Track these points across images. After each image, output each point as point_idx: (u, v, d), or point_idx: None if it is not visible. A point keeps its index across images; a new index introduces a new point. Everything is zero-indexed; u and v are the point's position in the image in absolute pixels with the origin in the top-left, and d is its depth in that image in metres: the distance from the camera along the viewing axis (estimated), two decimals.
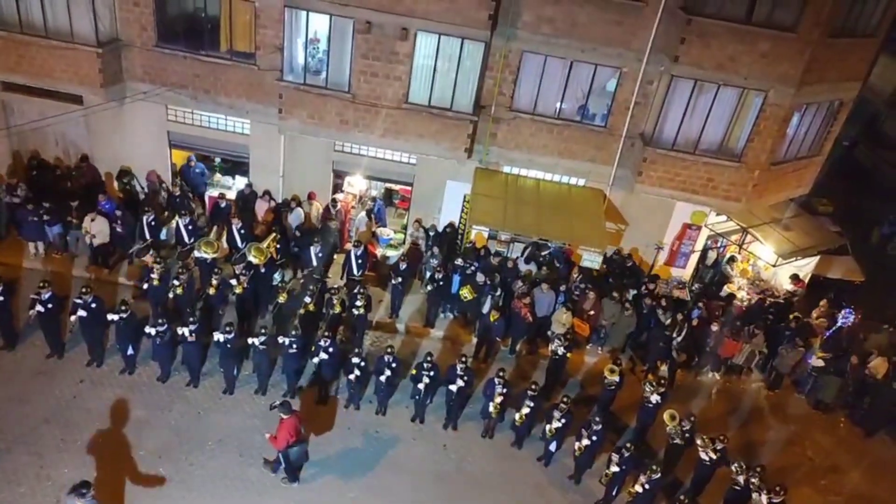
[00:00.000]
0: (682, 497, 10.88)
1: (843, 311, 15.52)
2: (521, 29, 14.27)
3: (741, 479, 11.49)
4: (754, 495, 11.20)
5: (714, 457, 11.86)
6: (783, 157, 15.59)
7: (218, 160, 17.73)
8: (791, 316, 15.77)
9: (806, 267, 17.23)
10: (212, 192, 17.09)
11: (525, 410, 12.35)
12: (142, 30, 15.02)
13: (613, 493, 12.05)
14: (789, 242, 16.39)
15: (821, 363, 14.82)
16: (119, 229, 15.06)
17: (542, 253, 16.25)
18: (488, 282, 14.79)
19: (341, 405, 13.21)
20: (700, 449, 11.98)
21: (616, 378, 13.13)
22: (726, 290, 17.00)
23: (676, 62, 14.00)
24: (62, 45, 14.56)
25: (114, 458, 11.42)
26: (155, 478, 11.23)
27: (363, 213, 16.82)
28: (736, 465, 11.70)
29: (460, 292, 14.68)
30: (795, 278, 16.97)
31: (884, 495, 13.49)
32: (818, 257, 17.13)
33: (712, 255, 17.79)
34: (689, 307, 15.68)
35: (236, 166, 17.36)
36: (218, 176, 17.78)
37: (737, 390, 15.53)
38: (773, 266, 16.65)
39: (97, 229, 14.78)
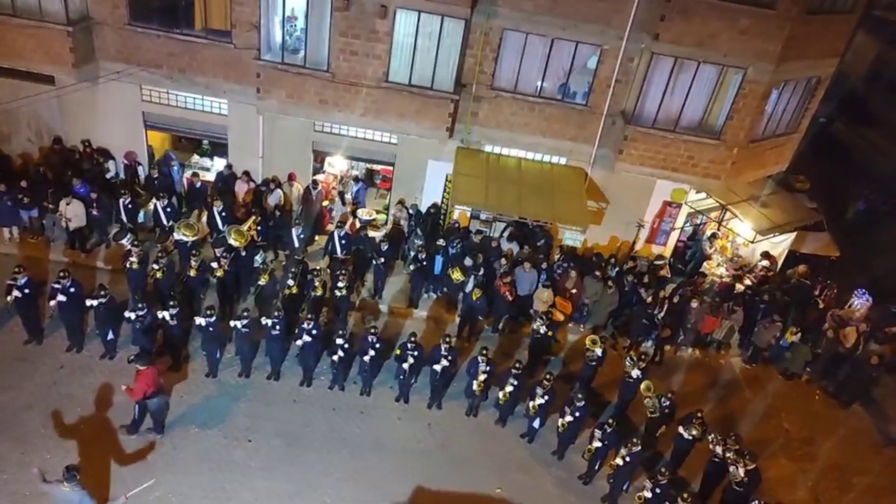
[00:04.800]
0: (662, 470, 11.07)
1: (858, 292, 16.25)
2: (502, 6, 14.13)
3: (719, 449, 11.73)
4: (731, 468, 11.44)
5: (695, 434, 12.03)
6: (762, 135, 15.72)
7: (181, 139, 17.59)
8: (816, 302, 16.15)
9: (783, 243, 17.49)
10: (187, 174, 16.86)
11: (508, 388, 12.46)
12: (114, 7, 14.64)
13: (596, 468, 12.27)
14: (767, 219, 16.60)
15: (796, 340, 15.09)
16: (95, 213, 14.83)
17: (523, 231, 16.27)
18: (471, 261, 14.79)
19: (325, 385, 13.23)
20: (681, 429, 12.15)
21: (598, 351, 13.29)
22: (706, 267, 17.22)
23: (657, 39, 13.99)
24: (31, 23, 14.15)
25: (96, 444, 11.34)
26: (138, 462, 11.19)
27: (338, 197, 16.72)
28: (712, 435, 11.94)
29: (451, 274, 14.66)
30: (767, 255, 17.25)
31: (858, 464, 13.86)
32: (795, 233, 17.39)
33: (689, 230, 17.98)
34: (676, 285, 15.81)
35: (215, 147, 17.11)
36: (196, 157, 17.52)
37: (715, 365, 15.80)
38: (752, 242, 16.87)
39: (73, 213, 14.54)
